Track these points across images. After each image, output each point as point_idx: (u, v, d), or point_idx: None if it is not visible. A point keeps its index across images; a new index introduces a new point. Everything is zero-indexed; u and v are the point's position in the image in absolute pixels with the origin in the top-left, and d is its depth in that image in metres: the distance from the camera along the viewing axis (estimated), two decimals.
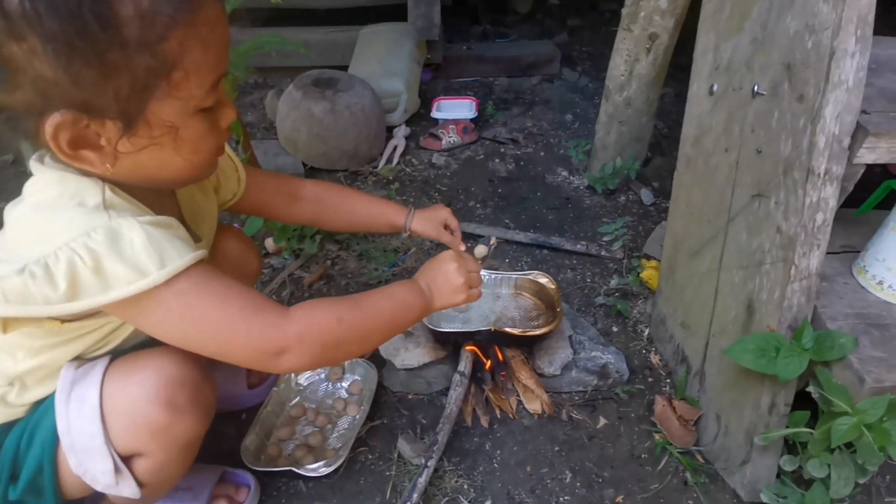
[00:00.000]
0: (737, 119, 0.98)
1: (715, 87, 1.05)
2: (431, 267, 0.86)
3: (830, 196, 0.82)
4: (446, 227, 1.08)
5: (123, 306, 0.62)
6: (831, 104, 0.77)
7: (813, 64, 0.79)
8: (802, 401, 0.90)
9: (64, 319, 0.68)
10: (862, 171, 0.84)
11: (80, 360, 0.73)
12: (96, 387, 0.69)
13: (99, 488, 0.72)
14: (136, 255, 0.60)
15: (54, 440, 0.70)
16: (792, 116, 0.84)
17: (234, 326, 0.66)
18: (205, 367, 0.77)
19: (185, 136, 0.63)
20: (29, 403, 0.73)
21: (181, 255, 0.62)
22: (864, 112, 0.82)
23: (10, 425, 0.73)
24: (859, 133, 0.80)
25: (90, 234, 0.59)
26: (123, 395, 0.70)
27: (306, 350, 0.69)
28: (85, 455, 0.69)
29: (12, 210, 0.65)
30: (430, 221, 1.07)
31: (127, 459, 0.72)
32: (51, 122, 0.57)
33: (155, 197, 0.71)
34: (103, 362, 0.72)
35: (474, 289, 0.86)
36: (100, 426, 0.68)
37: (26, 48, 0.54)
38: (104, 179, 0.64)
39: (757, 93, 0.92)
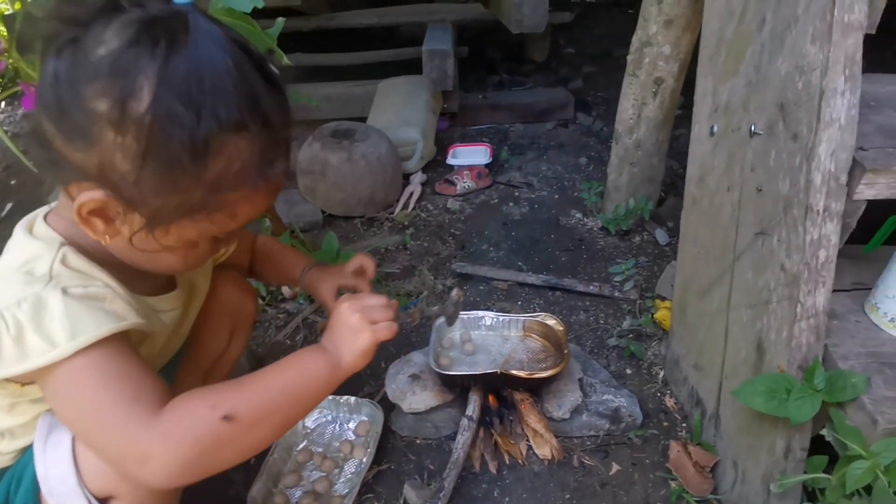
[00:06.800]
0: (737, 159, 0.99)
1: (715, 128, 1.07)
2: (331, 321, 0.74)
3: (832, 233, 0.81)
4: (361, 272, 0.98)
5: (41, 379, 0.62)
6: (825, 142, 0.78)
7: (804, 103, 0.80)
8: (821, 444, 0.87)
9: (23, 382, 0.67)
10: (863, 207, 0.84)
11: None
12: (69, 430, 0.69)
13: None
14: (51, 326, 0.60)
15: (36, 485, 0.70)
16: (788, 155, 0.84)
17: (102, 420, 0.61)
18: None
19: (191, 250, 0.68)
20: (17, 450, 0.74)
21: (97, 326, 0.61)
22: (861, 149, 0.82)
23: (1, 473, 0.74)
24: (856, 169, 0.79)
25: (20, 304, 0.60)
26: None
27: (173, 450, 0.59)
28: (63, 498, 0.69)
29: None
30: (327, 274, 0.99)
31: (104, 501, 0.71)
32: (90, 195, 0.60)
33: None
34: None
35: (381, 323, 0.72)
36: (72, 468, 0.68)
37: (120, 141, 0.57)
38: (70, 243, 0.66)
39: (754, 133, 0.93)
